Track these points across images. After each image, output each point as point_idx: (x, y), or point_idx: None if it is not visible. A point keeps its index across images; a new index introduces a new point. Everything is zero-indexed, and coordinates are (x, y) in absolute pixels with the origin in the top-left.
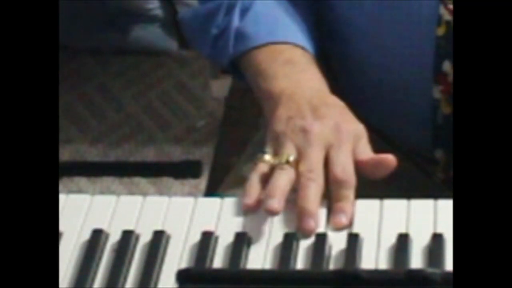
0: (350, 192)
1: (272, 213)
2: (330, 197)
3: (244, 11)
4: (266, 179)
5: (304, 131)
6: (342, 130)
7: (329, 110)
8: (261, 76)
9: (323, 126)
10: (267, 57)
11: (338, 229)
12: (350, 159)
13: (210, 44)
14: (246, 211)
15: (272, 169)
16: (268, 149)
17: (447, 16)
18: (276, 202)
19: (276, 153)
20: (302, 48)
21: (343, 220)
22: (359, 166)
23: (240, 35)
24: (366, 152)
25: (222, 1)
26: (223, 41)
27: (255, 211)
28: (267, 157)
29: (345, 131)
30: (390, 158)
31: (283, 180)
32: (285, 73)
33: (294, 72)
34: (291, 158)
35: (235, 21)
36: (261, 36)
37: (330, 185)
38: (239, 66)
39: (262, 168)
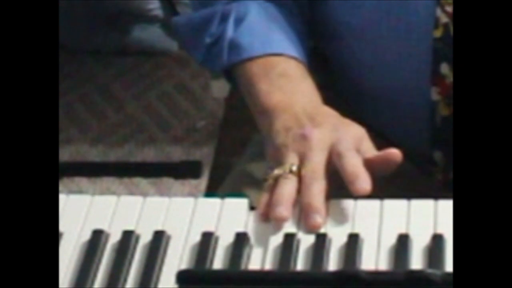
0: (366, 185)
1: (281, 220)
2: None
3: (238, 21)
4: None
5: (305, 138)
6: (342, 131)
7: (325, 118)
8: (255, 90)
9: (323, 131)
10: (261, 70)
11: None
12: (355, 152)
13: (203, 52)
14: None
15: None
16: (272, 163)
17: (444, 19)
18: (283, 209)
19: (279, 165)
20: (296, 59)
21: (367, 187)
22: (366, 165)
23: (235, 46)
24: (370, 151)
25: (216, 9)
26: (216, 50)
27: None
28: (273, 172)
29: (345, 131)
30: (395, 152)
31: (288, 188)
32: (279, 86)
33: (288, 85)
34: (294, 168)
35: (229, 31)
36: (255, 47)
37: (345, 180)
38: (233, 75)
39: (270, 183)
